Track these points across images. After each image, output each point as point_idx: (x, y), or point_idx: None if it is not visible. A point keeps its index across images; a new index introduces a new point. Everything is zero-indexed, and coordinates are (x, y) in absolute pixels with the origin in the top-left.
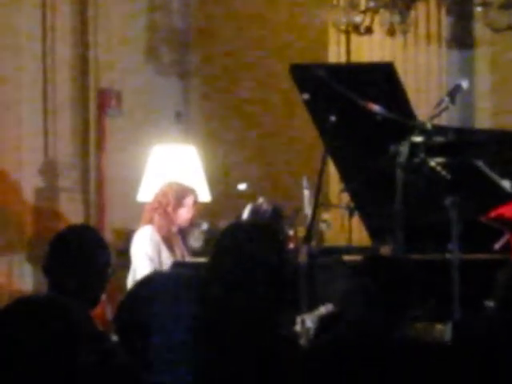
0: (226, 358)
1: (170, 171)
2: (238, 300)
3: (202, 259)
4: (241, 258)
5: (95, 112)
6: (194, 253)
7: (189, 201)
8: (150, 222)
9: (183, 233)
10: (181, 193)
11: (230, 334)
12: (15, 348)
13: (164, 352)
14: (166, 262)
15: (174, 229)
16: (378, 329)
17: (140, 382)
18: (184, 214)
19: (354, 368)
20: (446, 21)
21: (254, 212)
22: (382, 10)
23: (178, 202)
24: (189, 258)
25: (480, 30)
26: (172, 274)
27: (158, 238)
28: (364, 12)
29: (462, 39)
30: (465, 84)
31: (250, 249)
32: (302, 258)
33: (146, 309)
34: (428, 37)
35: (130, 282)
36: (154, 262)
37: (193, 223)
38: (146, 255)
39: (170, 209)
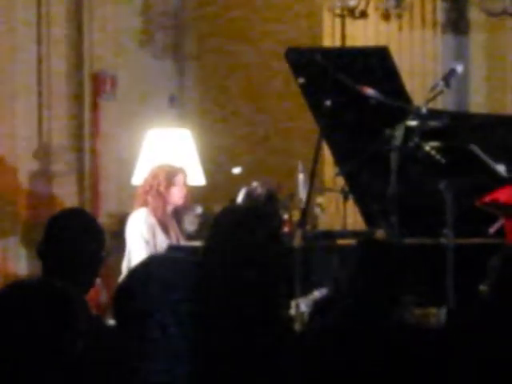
0: (223, 341)
1: (165, 155)
2: (234, 284)
3: (196, 243)
4: (235, 241)
5: (90, 96)
6: (189, 236)
7: (179, 179)
8: (144, 205)
9: (178, 216)
10: (170, 172)
11: (226, 317)
12: (11, 332)
13: (161, 337)
14: (162, 245)
15: (169, 209)
16: (373, 313)
17: (135, 367)
18: (176, 193)
19: (349, 353)
20: (440, 5)
21: (249, 196)
22: None
23: (169, 181)
24: (183, 242)
25: (475, 14)
26: (168, 258)
27: (153, 220)
28: None
29: (456, 24)
30: (459, 68)
31: (245, 232)
32: (297, 241)
33: (143, 294)
34: (423, 21)
35: (125, 265)
36: (149, 244)
37: (187, 206)
38: (141, 237)
39: (162, 188)
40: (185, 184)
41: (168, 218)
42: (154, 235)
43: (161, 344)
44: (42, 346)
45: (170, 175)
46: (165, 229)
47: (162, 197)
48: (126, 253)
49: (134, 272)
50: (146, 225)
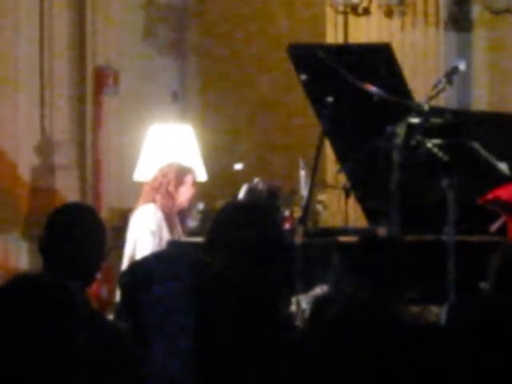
0: (224, 335)
1: (167, 150)
2: (235, 279)
3: (197, 238)
4: (236, 237)
5: (92, 91)
6: (190, 232)
7: (189, 179)
8: (151, 202)
9: (182, 214)
10: (181, 171)
11: (227, 312)
12: (11, 326)
13: (163, 331)
14: (166, 240)
15: (176, 208)
16: (374, 310)
17: (136, 362)
18: (185, 193)
19: (351, 350)
20: (443, 2)
21: (250, 192)
22: None
23: (179, 181)
24: (183, 238)
25: (478, 11)
26: (171, 254)
27: (160, 216)
28: None
29: (459, 21)
30: (462, 65)
31: (246, 229)
32: (298, 238)
33: (146, 289)
34: (426, 18)
35: (126, 260)
36: (155, 237)
37: (192, 204)
38: (148, 229)
39: (171, 187)
40: (193, 184)
41: (174, 216)
42: (160, 230)
43: (161, 334)
44: (42, 341)
45: (180, 174)
46: (170, 225)
47: (170, 196)
48: (127, 248)
49: (134, 268)
50: (154, 219)
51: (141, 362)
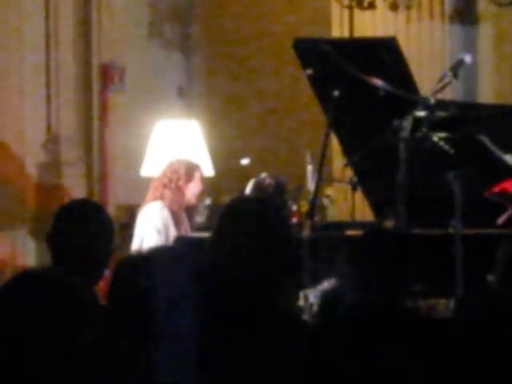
0: (227, 332)
1: (173, 146)
2: (241, 275)
3: (204, 234)
4: (243, 233)
5: (98, 87)
6: (197, 228)
7: (198, 174)
8: (159, 198)
9: (190, 210)
10: (190, 167)
11: (231, 308)
12: (19, 322)
13: (166, 321)
14: (172, 238)
15: (185, 204)
16: (382, 304)
17: (142, 357)
18: (194, 188)
19: (361, 345)
20: None
21: (257, 187)
22: None
23: (189, 176)
24: (191, 234)
25: (483, 4)
26: (173, 249)
27: (167, 213)
28: None
29: (465, 14)
30: (468, 59)
31: (253, 223)
32: (305, 232)
33: (144, 284)
34: (431, 12)
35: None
36: (161, 235)
37: (199, 200)
38: (154, 227)
39: (181, 183)
40: (202, 181)
41: (181, 212)
42: (166, 228)
43: (166, 327)
44: (50, 337)
45: (189, 170)
46: (177, 222)
47: (180, 191)
48: (135, 244)
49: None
50: (160, 217)
51: (147, 355)
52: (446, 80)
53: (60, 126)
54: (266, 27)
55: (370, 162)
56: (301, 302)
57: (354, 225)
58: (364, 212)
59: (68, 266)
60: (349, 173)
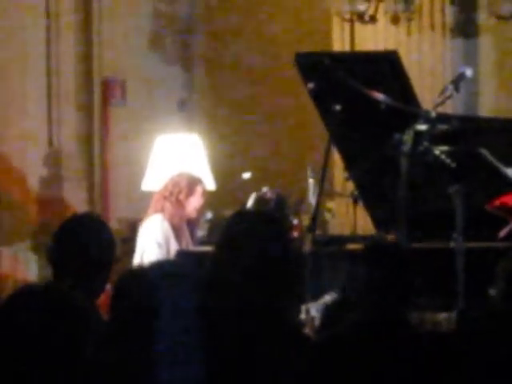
0: (230, 348)
1: (174, 160)
2: (244, 289)
3: (206, 248)
4: (245, 247)
5: (99, 101)
6: (198, 242)
7: (199, 189)
8: (160, 211)
9: (191, 224)
10: (192, 181)
11: (234, 322)
12: (19, 337)
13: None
14: (174, 251)
15: (185, 218)
16: (384, 318)
17: (143, 369)
18: (195, 202)
19: (363, 359)
20: (449, 9)
21: (259, 201)
22: None
23: (190, 190)
24: (192, 248)
25: (484, 17)
26: (175, 263)
27: (168, 227)
28: (368, 0)
29: (465, 27)
30: (469, 72)
31: (255, 238)
32: (307, 246)
33: (147, 296)
34: (432, 25)
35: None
36: (162, 248)
37: (200, 214)
38: (155, 240)
39: (182, 196)
40: (203, 195)
41: (182, 226)
42: (167, 242)
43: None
44: (50, 352)
45: (191, 184)
46: (178, 236)
47: (180, 205)
48: (136, 258)
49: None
50: (161, 231)
51: (148, 368)
52: (447, 93)
53: (61, 141)
54: (268, 42)
55: (372, 176)
56: (302, 316)
57: (355, 239)
58: (365, 226)
59: (69, 280)
60: (350, 186)
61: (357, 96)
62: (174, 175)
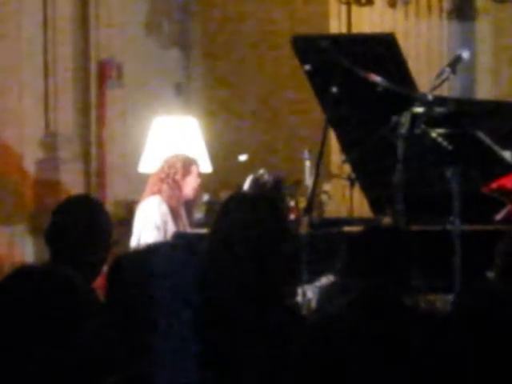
0: (227, 327)
1: (171, 143)
2: (241, 272)
3: (203, 230)
4: (242, 229)
5: (96, 84)
6: (195, 224)
7: (195, 169)
8: (157, 193)
9: (188, 207)
10: (187, 161)
11: (231, 304)
12: (16, 318)
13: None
14: (171, 233)
15: (183, 199)
16: (381, 300)
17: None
18: (191, 183)
19: (361, 341)
20: None
21: (255, 183)
22: None
23: (186, 170)
24: (190, 230)
25: (481, 0)
26: (171, 245)
27: (165, 208)
28: None
29: (462, 10)
30: (465, 54)
31: (251, 220)
32: (303, 229)
33: (144, 279)
34: (429, 8)
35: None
36: (160, 230)
37: (197, 196)
38: (153, 223)
39: (178, 177)
40: (199, 175)
41: (180, 208)
42: (165, 224)
43: (164, 323)
44: (47, 333)
45: (186, 164)
46: (175, 218)
47: (178, 185)
48: (133, 240)
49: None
50: (158, 212)
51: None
52: (444, 76)
53: (58, 123)
54: (264, 24)
55: (369, 158)
56: (299, 298)
57: (352, 221)
58: (362, 208)
59: (66, 262)
60: (347, 169)
61: (354, 78)
62: (169, 157)
